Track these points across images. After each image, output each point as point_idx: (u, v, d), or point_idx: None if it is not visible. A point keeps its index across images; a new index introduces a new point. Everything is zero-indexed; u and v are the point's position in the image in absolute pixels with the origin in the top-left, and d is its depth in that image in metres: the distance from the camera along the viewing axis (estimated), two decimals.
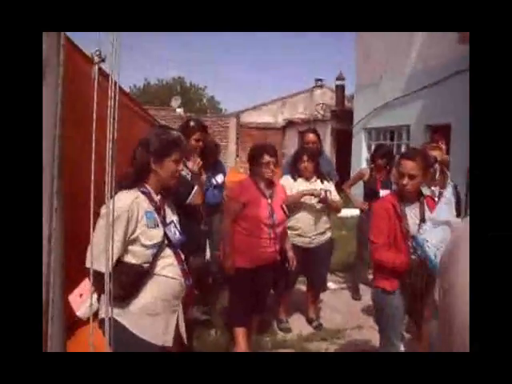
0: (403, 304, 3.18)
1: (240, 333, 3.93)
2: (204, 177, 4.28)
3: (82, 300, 2.35)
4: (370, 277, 6.11)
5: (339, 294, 6.12)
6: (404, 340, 3.29)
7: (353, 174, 10.75)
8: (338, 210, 5.05)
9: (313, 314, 5.11)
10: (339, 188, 5.16)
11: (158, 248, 2.37)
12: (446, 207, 3.03)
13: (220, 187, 5.55)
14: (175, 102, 20.37)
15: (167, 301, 2.40)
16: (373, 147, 11.60)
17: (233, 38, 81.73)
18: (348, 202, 6.22)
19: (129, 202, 2.28)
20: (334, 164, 6.43)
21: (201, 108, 35.24)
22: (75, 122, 2.57)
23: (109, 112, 1.30)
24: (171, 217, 2.54)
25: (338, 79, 16.85)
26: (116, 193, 2.11)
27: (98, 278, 1.55)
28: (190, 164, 3.67)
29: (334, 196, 4.77)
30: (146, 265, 2.33)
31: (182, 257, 2.52)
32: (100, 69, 1.36)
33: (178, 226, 2.54)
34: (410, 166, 3.13)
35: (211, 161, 5.42)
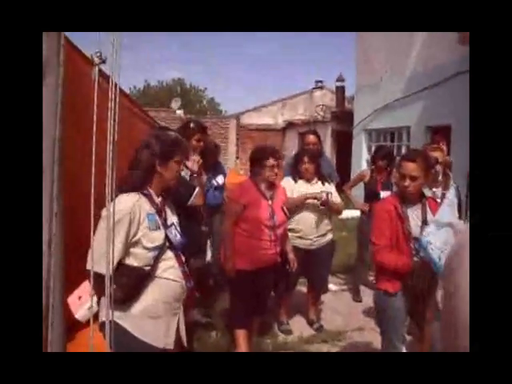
0: (405, 306, 3.17)
1: (241, 335, 3.92)
2: (204, 177, 4.28)
3: (81, 302, 2.34)
4: (371, 278, 6.11)
5: (340, 295, 6.11)
6: (405, 342, 3.28)
7: (353, 175, 10.75)
8: (339, 212, 5.04)
9: (313, 315, 5.10)
10: (339, 189, 5.15)
11: (160, 250, 2.36)
12: (448, 209, 3.02)
13: (220, 188, 5.54)
14: (175, 103, 20.38)
15: (168, 303, 2.39)
16: (373, 148, 11.63)
17: (233, 38, 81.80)
18: (348, 204, 6.21)
19: (130, 205, 2.28)
20: (334, 165, 6.42)
21: (201, 109, 35.29)
22: (75, 124, 2.56)
23: (109, 114, 1.29)
24: (172, 219, 2.54)
25: (338, 80, 16.86)
26: (117, 195, 2.10)
27: (99, 280, 1.54)
28: (189, 164, 3.66)
29: (336, 198, 4.76)
30: (148, 267, 2.32)
31: (183, 259, 2.51)
32: (100, 70, 1.35)
33: (178, 227, 2.54)
34: (411, 167, 3.12)
35: (211, 161, 5.42)
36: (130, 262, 2.29)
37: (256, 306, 3.98)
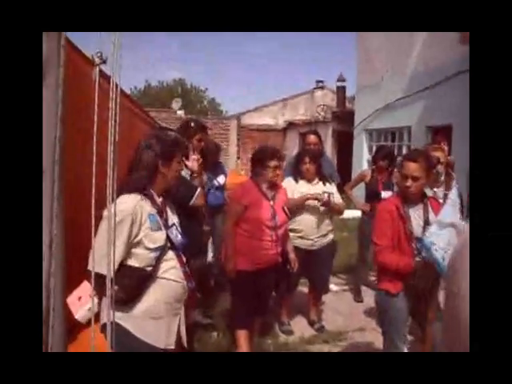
0: (407, 306, 3.17)
1: (242, 335, 3.92)
2: (205, 177, 4.28)
3: (81, 303, 2.33)
4: (372, 278, 6.10)
5: (341, 295, 6.10)
6: (407, 342, 3.28)
7: (354, 175, 10.75)
8: (341, 213, 5.03)
9: (315, 316, 5.09)
10: (340, 189, 5.14)
11: (161, 251, 2.36)
12: (451, 209, 3.01)
13: (221, 188, 5.55)
14: (176, 104, 20.38)
15: (170, 304, 2.39)
16: (374, 148, 11.63)
17: (233, 37, 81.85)
18: (349, 204, 6.21)
19: (132, 205, 2.27)
20: (335, 165, 6.42)
21: (201, 110, 35.28)
22: (76, 124, 2.56)
23: (110, 114, 1.29)
24: (172, 219, 2.54)
25: (338, 80, 16.85)
26: (118, 196, 2.10)
27: (100, 281, 1.54)
28: (189, 163, 3.66)
29: (337, 199, 4.75)
30: (149, 268, 2.31)
31: (184, 259, 2.51)
32: (101, 70, 1.35)
33: (179, 228, 2.53)
34: (412, 167, 3.11)
35: (212, 160, 5.43)
36: (132, 262, 2.29)
37: (257, 307, 3.98)
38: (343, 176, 6.18)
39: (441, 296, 3.13)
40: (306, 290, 5.29)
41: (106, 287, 1.39)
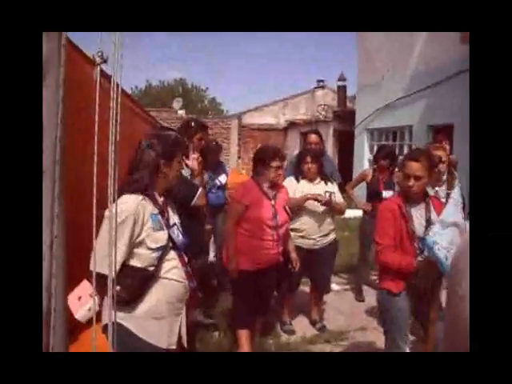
0: (408, 306, 3.16)
1: (243, 335, 3.92)
2: (206, 176, 4.28)
3: (81, 303, 2.33)
4: (373, 278, 6.10)
5: (342, 295, 6.10)
6: (409, 342, 3.27)
7: (355, 174, 10.74)
8: (342, 213, 5.03)
9: (316, 315, 5.09)
10: (342, 189, 5.14)
11: (163, 251, 2.35)
12: (454, 208, 3.00)
13: (223, 188, 5.55)
14: (177, 103, 20.39)
15: (172, 304, 2.39)
16: (375, 148, 11.61)
17: (234, 37, 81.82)
18: (351, 203, 6.20)
19: (134, 206, 2.27)
20: (336, 165, 6.42)
21: (202, 109, 35.31)
22: (76, 124, 2.56)
23: (111, 114, 1.29)
24: (173, 219, 2.53)
25: (339, 80, 16.85)
26: (119, 196, 2.09)
27: (102, 281, 1.53)
28: (189, 162, 3.67)
29: (338, 198, 4.75)
30: (151, 268, 2.31)
31: (186, 259, 2.51)
32: (101, 70, 1.35)
33: (180, 228, 2.53)
34: (415, 167, 3.10)
35: (213, 159, 5.44)
36: (134, 262, 2.29)
37: (258, 306, 3.98)
38: (344, 175, 6.18)
39: (443, 295, 3.13)
40: (307, 289, 5.29)
41: (108, 287, 1.38)
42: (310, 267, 4.65)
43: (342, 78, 16.77)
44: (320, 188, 4.68)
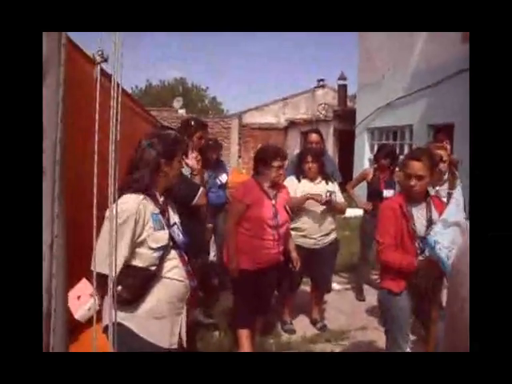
0: (409, 305, 3.16)
1: (244, 334, 3.92)
2: (206, 175, 4.29)
3: (81, 302, 2.33)
4: (374, 277, 6.10)
5: (343, 294, 6.10)
6: (410, 341, 3.27)
7: (355, 174, 10.72)
8: (343, 212, 5.03)
9: (317, 315, 5.09)
10: (342, 188, 5.14)
11: (164, 250, 2.35)
12: (456, 208, 2.99)
13: (224, 187, 5.55)
14: (177, 103, 20.40)
15: (172, 303, 2.39)
16: (376, 147, 11.60)
17: (234, 36, 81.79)
18: (351, 203, 6.20)
19: (135, 205, 2.27)
20: (336, 164, 6.41)
21: (203, 109, 35.32)
22: (76, 123, 2.55)
23: (111, 113, 1.28)
24: (174, 218, 2.53)
25: (339, 79, 16.84)
26: (120, 196, 2.09)
27: (102, 281, 1.53)
28: (189, 161, 3.67)
29: (339, 198, 4.75)
30: (153, 268, 2.31)
31: (186, 258, 2.51)
32: (102, 69, 1.35)
33: (180, 227, 2.53)
34: (417, 166, 3.09)
35: (213, 157, 5.45)
36: (136, 262, 2.29)
37: (259, 306, 3.98)
38: (345, 175, 6.17)
39: (444, 295, 3.12)
40: (308, 289, 5.29)
41: (108, 287, 1.38)
42: (310, 267, 4.64)
43: (342, 77, 16.76)
44: (321, 187, 4.67)
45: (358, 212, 6.86)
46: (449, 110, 9.50)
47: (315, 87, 20.80)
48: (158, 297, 2.34)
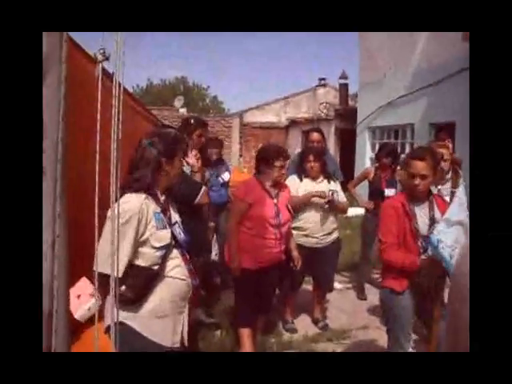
0: (412, 304, 3.15)
1: (245, 333, 3.91)
2: (207, 173, 4.29)
3: (80, 302, 2.32)
4: (375, 276, 6.10)
5: (345, 293, 6.10)
6: (411, 341, 3.26)
7: (357, 173, 10.72)
8: (344, 211, 5.03)
9: (318, 314, 5.09)
10: (344, 187, 5.13)
11: (167, 249, 2.35)
12: (459, 207, 2.98)
13: (226, 186, 5.55)
14: (178, 102, 20.38)
15: (175, 302, 2.39)
16: (377, 146, 11.60)
17: (235, 35, 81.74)
18: (353, 202, 6.20)
19: (138, 205, 2.27)
20: (338, 163, 6.41)
21: (204, 108, 35.29)
22: (78, 122, 2.55)
23: (113, 112, 1.28)
24: (175, 217, 2.53)
25: (341, 78, 16.84)
26: (121, 195, 2.08)
27: (105, 281, 1.52)
28: (189, 160, 3.67)
29: (341, 197, 4.75)
30: (156, 267, 2.31)
31: (188, 257, 2.51)
32: (103, 68, 1.34)
33: (181, 225, 2.53)
34: (420, 166, 3.08)
35: (214, 155, 5.44)
36: (139, 262, 2.29)
37: (260, 305, 3.98)
38: (346, 174, 6.18)
39: (446, 294, 3.12)
40: (309, 288, 5.28)
41: (110, 287, 1.38)
42: (312, 266, 4.64)
43: (343, 76, 16.76)
44: (323, 186, 4.67)
45: (360, 211, 6.85)
46: (450, 108, 9.48)
47: (316, 86, 20.77)
48: (161, 296, 2.34)
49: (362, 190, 6.14)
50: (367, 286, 6.02)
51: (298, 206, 4.47)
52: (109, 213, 1.99)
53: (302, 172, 4.76)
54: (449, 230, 2.88)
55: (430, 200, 3.20)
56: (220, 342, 4.34)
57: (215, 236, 4.73)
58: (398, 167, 5.70)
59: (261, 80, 79.36)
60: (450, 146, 4.96)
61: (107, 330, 2.08)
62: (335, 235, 4.81)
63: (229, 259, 3.93)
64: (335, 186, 4.75)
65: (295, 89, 21.64)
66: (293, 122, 19.07)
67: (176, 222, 2.50)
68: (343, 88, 16.85)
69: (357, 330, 4.87)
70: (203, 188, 3.60)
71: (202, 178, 3.95)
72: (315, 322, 5.03)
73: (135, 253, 2.27)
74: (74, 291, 2.32)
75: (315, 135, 5.26)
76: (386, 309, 3.30)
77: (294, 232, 4.43)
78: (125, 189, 2.26)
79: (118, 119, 1.29)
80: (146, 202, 2.31)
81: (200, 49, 76.19)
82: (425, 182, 3.10)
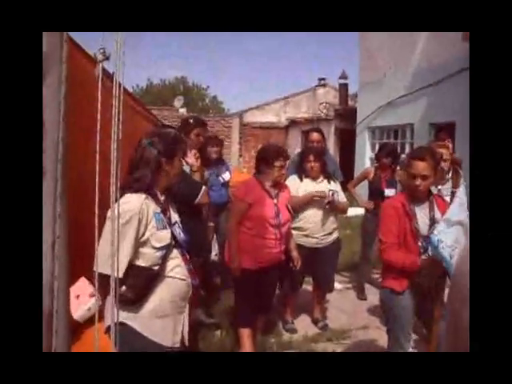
0: (412, 304, 3.15)
1: (245, 333, 3.91)
2: (207, 173, 4.29)
3: (80, 302, 2.32)
4: (375, 276, 6.10)
5: (345, 293, 6.09)
6: (412, 341, 3.26)
7: (356, 173, 10.71)
8: (344, 212, 5.02)
9: (318, 314, 5.08)
10: (344, 187, 5.13)
11: (167, 249, 2.35)
12: (459, 207, 2.98)
13: (226, 186, 5.55)
14: (178, 102, 20.37)
15: (175, 302, 2.40)
16: (377, 146, 11.59)
17: (235, 35, 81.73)
18: (352, 202, 6.20)
19: (139, 205, 2.27)
20: (337, 163, 6.41)
21: (203, 108, 35.27)
22: (78, 123, 2.55)
23: (113, 112, 1.28)
24: (174, 217, 2.53)
25: (340, 78, 16.83)
26: (121, 195, 2.08)
27: (105, 281, 1.52)
28: (188, 159, 3.67)
29: (342, 198, 4.75)
30: (156, 267, 2.31)
31: (188, 257, 2.51)
32: (103, 68, 1.34)
33: (180, 225, 2.53)
34: (421, 166, 3.08)
35: (214, 155, 5.44)
36: (139, 262, 2.29)
37: (260, 305, 3.98)
38: (346, 174, 6.17)
39: (446, 294, 3.12)
40: (309, 288, 5.28)
41: (111, 287, 1.38)
42: (312, 266, 4.64)
43: (343, 76, 16.75)
44: (323, 186, 4.67)
45: (360, 211, 6.84)
46: (450, 108, 9.48)
47: (316, 86, 20.75)
48: (161, 296, 2.34)
49: (362, 190, 6.14)
50: (367, 286, 6.01)
51: (298, 206, 4.47)
52: (109, 213, 1.99)
53: (302, 172, 4.76)
54: (449, 230, 2.88)
55: (431, 200, 3.19)
56: (220, 342, 4.34)
57: (215, 236, 4.72)
58: (398, 167, 5.70)
59: (261, 80, 79.39)
60: (450, 145, 4.95)
61: (107, 330, 2.09)
62: (335, 235, 4.81)
63: (229, 259, 3.93)
64: (335, 186, 4.75)
65: (295, 89, 21.66)
66: (293, 122, 19.06)
67: (176, 222, 2.50)
68: (343, 88, 16.84)
69: (357, 330, 4.87)
70: (203, 188, 3.60)
71: (202, 177, 3.94)
72: (315, 322, 5.03)
73: (135, 253, 2.27)
74: (73, 291, 2.32)
75: (315, 135, 5.26)
76: (386, 309, 3.30)
77: (294, 232, 4.43)
78: (125, 189, 2.26)
79: (118, 119, 1.29)
80: (146, 202, 2.31)
81: (200, 49, 76.22)
82: (426, 182, 3.09)
